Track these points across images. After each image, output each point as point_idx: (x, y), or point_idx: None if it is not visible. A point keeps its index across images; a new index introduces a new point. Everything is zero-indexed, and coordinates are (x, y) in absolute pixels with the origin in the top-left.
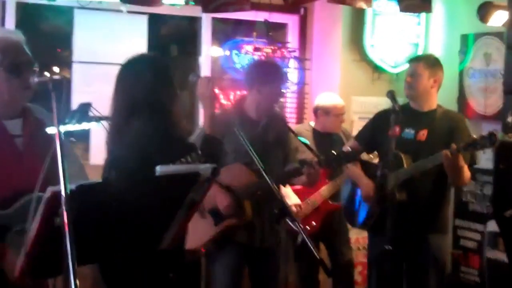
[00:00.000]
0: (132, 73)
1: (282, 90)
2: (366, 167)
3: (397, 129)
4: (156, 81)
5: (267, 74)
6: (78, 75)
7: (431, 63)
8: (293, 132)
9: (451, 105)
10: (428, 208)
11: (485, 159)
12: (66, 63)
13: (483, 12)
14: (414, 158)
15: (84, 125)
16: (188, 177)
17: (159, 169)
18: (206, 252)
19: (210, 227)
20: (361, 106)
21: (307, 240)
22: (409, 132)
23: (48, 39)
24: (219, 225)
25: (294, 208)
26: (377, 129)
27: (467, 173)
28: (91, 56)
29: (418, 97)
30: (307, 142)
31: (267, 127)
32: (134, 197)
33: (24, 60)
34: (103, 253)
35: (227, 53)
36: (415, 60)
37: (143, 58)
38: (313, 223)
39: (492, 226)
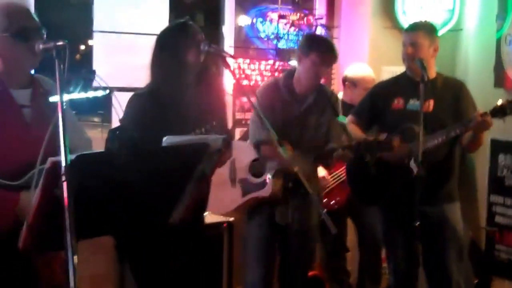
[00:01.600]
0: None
1: (323, 64)
2: None
3: (401, 101)
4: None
5: (308, 45)
6: (99, 45)
7: (430, 31)
8: (337, 113)
9: (487, 74)
10: (440, 179)
11: None
12: (87, 33)
13: None
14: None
15: (90, 94)
16: (197, 149)
17: (166, 140)
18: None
19: (237, 197)
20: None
21: (322, 214)
22: (414, 103)
23: (68, 8)
24: (247, 195)
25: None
26: (377, 102)
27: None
28: (112, 26)
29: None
30: (345, 121)
31: (310, 107)
32: (139, 168)
33: (31, 26)
34: (108, 226)
35: (253, 21)
36: (414, 29)
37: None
38: (338, 198)
39: None
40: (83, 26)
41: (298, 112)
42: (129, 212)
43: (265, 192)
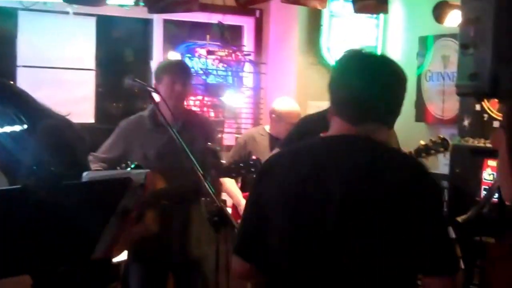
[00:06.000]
0: None
1: (179, 84)
2: None
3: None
4: None
5: (159, 71)
6: (24, 80)
7: None
8: (209, 137)
9: (409, 110)
10: None
11: (444, 164)
12: (10, 68)
13: (439, 12)
14: None
15: (6, 129)
16: (119, 183)
17: (87, 175)
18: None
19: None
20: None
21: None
22: None
23: None
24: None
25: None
26: (305, 135)
27: None
28: (37, 60)
29: None
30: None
31: (180, 132)
32: (58, 204)
33: None
34: (26, 264)
35: (180, 57)
36: None
37: None
38: None
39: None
40: (6, 61)
41: (162, 141)
42: (48, 248)
43: (139, 226)
